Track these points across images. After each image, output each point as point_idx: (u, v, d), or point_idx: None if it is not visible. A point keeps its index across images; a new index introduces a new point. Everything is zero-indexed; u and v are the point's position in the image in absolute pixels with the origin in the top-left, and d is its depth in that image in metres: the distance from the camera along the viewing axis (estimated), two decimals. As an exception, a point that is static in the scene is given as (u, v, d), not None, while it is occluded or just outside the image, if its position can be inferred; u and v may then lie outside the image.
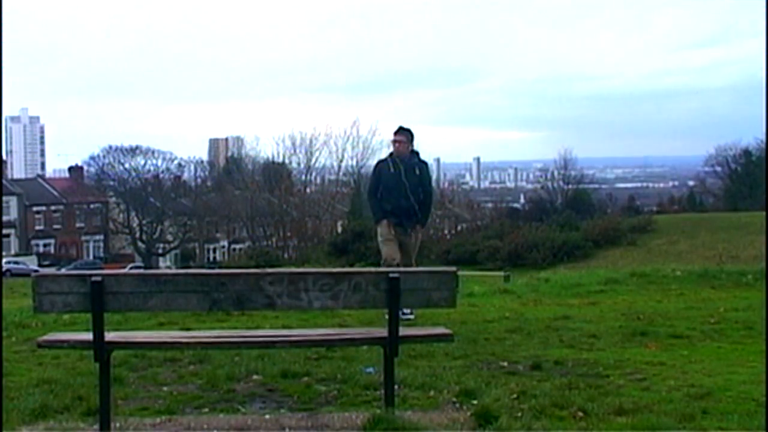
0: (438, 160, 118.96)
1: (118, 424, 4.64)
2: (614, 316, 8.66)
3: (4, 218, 65.77)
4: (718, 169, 70.95)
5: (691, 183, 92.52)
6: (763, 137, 58.72)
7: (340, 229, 52.21)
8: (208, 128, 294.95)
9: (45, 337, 4.93)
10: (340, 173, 65.24)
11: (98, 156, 71.45)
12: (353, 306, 4.75)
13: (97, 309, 4.45)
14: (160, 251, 69.52)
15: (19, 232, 70.36)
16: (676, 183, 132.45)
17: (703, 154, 75.52)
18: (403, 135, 8.63)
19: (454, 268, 4.85)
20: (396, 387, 5.00)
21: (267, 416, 4.89)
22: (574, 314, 8.84)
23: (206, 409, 5.10)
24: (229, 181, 70.73)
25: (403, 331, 4.80)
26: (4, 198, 67.56)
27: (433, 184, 11.80)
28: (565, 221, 48.41)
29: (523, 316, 8.74)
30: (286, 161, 66.14)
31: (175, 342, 5.12)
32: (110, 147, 71.27)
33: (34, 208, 72.01)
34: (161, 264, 67.02)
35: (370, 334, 5.10)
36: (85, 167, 74.88)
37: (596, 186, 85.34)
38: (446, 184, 72.17)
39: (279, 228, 59.26)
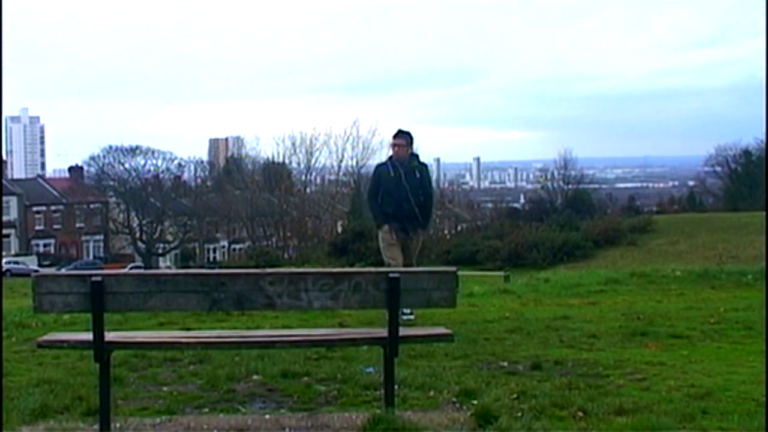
0: (438, 160, 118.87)
1: (118, 424, 4.64)
2: (614, 316, 8.66)
3: (4, 218, 65.77)
4: (718, 169, 70.96)
5: (691, 183, 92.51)
6: (763, 137, 58.79)
7: (340, 229, 52.29)
8: (208, 128, 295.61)
9: (45, 337, 4.93)
10: (340, 173, 65.23)
11: (98, 156, 71.54)
12: (353, 306, 4.74)
13: (97, 309, 4.45)
14: (160, 251, 69.49)
15: (19, 232, 70.36)
16: (676, 183, 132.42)
17: (703, 154, 75.64)
18: (403, 138, 8.59)
19: (454, 268, 4.85)
20: (396, 387, 4.99)
21: (267, 416, 4.89)
22: (574, 314, 8.84)
23: (206, 409, 5.10)
24: (229, 181, 70.73)
25: (403, 331, 4.80)
26: (4, 198, 67.56)
27: (433, 184, 11.77)
28: (565, 221, 48.49)
29: (523, 316, 8.74)
30: (286, 161, 66.18)
31: (175, 342, 5.12)
32: (110, 147, 71.34)
33: (34, 208, 72.00)
34: (161, 264, 67.00)
35: (370, 334, 5.09)
36: (85, 167, 74.90)
37: (596, 186, 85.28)
38: (446, 184, 72.09)
39: (279, 228, 59.29)
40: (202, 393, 5.48)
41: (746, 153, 66.88)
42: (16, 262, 57.78)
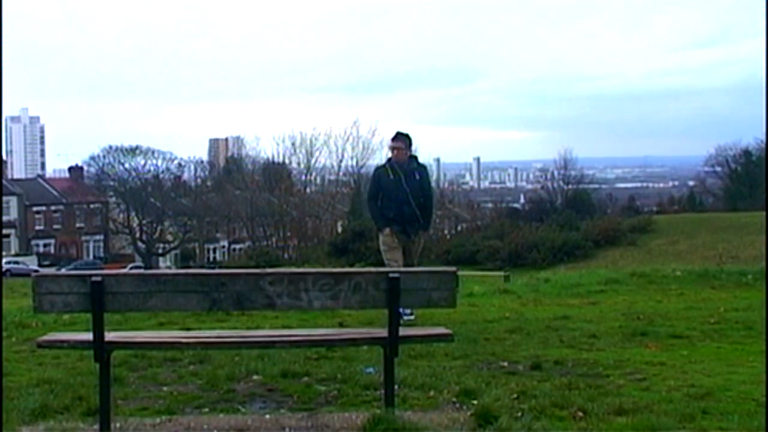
0: (438, 160, 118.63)
1: (118, 424, 4.64)
2: (614, 316, 8.66)
3: (4, 218, 65.78)
4: (718, 169, 70.99)
5: (691, 183, 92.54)
6: (763, 137, 58.85)
7: (340, 229, 52.30)
8: (208, 128, 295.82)
9: (45, 337, 4.93)
10: (340, 173, 65.25)
11: (98, 156, 71.57)
12: (353, 306, 4.74)
13: (97, 309, 4.45)
14: (160, 251, 69.50)
15: (19, 232, 70.36)
16: (676, 183, 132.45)
17: (703, 154, 75.67)
18: (401, 141, 8.55)
19: (454, 268, 4.85)
20: (396, 387, 4.99)
21: (267, 416, 4.89)
22: (574, 314, 8.84)
23: (206, 409, 5.10)
24: (229, 181, 70.72)
25: (403, 331, 4.80)
26: (4, 198, 67.58)
27: (433, 184, 11.77)
28: (565, 221, 48.52)
29: (523, 316, 8.74)
30: (286, 161, 66.21)
31: (175, 342, 5.12)
32: (110, 147, 71.37)
33: (34, 208, 72.01)
34: (161, 264, 67.00)
35: (370, 334, 5.09)
36: (85, 167, 74.90)
37: (596, 186, 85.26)
38: (446, 185, 72.11)
39: (279, 228, 59.31)
40: (202, 393, 5.48)
41: (746, 153, 66.91)
42: (16, 262, 57.79)
